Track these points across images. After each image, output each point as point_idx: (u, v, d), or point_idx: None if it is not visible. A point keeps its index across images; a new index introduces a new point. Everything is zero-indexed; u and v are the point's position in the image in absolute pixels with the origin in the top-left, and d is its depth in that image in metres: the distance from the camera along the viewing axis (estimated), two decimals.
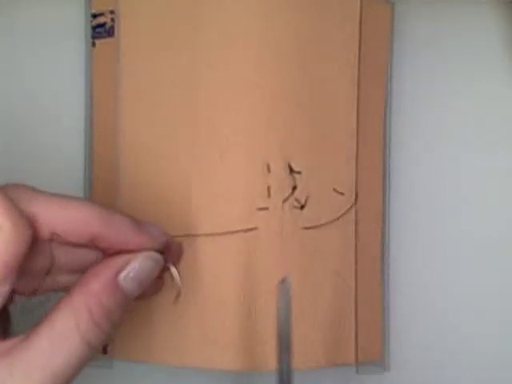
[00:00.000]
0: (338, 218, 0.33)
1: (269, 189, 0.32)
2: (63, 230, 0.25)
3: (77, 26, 0.35)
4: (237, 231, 0.32)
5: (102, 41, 0.34)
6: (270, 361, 0.31)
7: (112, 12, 0.33)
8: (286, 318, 0.27)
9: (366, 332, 0.33)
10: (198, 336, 0.32)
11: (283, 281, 0.28)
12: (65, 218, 0.25)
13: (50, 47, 0.36)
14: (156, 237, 0.28)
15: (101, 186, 0.33)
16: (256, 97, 0.32)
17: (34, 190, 0.25)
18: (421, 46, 0.36)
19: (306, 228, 0.32)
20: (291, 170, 0.32)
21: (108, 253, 0.27)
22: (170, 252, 0.29)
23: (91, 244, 0.26)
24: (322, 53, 0.33)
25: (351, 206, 0.33)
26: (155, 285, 0.29)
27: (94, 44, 0.34)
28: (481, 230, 0.36)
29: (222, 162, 0.32)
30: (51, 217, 0.25)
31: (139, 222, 0.27)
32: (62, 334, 0.24)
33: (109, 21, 0.33)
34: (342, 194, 0.33)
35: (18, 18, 0.36)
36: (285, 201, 0.32)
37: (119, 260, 0.26)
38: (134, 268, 0.26)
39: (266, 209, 0.32)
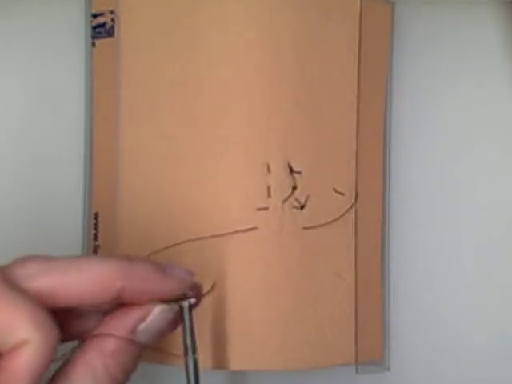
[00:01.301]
0: (338, 218, 0.33)
1: (269, 189, 0.32)
2: (84, 296, 0.24)
3: (77, 26, 0.35)
4: (237, 231, 0.32)
5: (102, 41, 0.34)
6: (271, 360, 0.31)
7: (112, 12, 0.33)
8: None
9: (366, 332, 0.33)
10: (199, 336, 0.32)
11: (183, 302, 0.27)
12: (85, 284, 0.24)
13: (50, 47, 0.36)
14: (182, 280, 0.26)
15: (101, 187, 0.33)
16: (256, 97, 0.32)
17: (48, 259, 0.24)
18: (421, 46, 0.36)
19: (306, 228, 0.32)
20: (291, 170, 0.32)
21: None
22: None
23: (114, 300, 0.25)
24: (322, 53, 0.33)
25: (351, 206, 0.33)
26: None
27: (93, 44, 0.34)
28: (481, 229, 0.36)
29: (222, 162, 0.32)
30: (71, 285, 0.24)
31: (162, 267, 0.26)
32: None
33: (109, 21, 0.33)
34: (342, 194, 0.33)
35: (18, 17, 0.36)
36: (285, 201, 0.32)
37: (136, 315, 0.25)
38: (152, 322, 0.25)
39: (266, 209, 0.32)
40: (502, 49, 0.36)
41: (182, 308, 0.27)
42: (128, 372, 0.25)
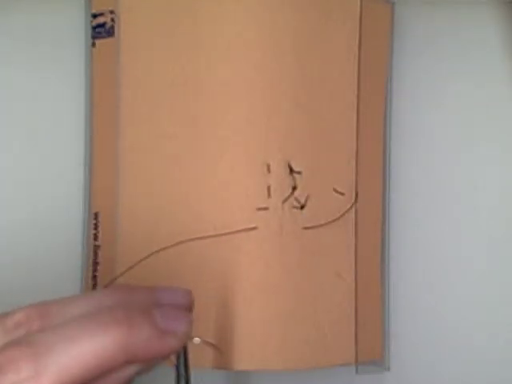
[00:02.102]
0: (338, 218, 0.33)
1: (269, 189, 0.32)
2: (86, 376, 0.23)
3: (77, 26, 0.35)
4: (237, 231, 0.32)
5: (102, 41, 0.34)
6: (271, 360, 0.31)
7: (112, 12, 0.33)
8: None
9: (366, 332, 0.33)
10: (199, 335, 0.32)
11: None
12: (86, 369, 0.23)
13: (50, 47, 0.36)
14: (183, 334, 0.25)
15: (101, 187, 0.33)
16: (256, 97, 0.32)
17: (43, 352, 0.22)
18: (421, 46, 0.36)
19: (306, 228, 0.32)
20: (291, 170, 0.32)
21: None
22: None
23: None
24: (322, 53, 0.33)
25: (351, 206, 0.33)
26: None
27: (93, 44, 0.34)
28: (481, 229, 0.36)
29: (222, 162, 0.32)
30: (73, 374, 0.22)
31: (162, 320, 0.25)
32: None
33: (109, 21, 0.33)
34: (342, 194, 0.33)
35: (18, 17, 0.36)
36: (285, 201, 0.32)
37: (136, 368, 0.25)
38: (147, 369, 0.25)
39: (266, 209, 0.32)
40: (502, 49, 0.36)
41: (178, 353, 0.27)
42: None
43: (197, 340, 0.27)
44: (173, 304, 0.26)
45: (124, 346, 0.23)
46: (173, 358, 0.26)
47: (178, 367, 0.27)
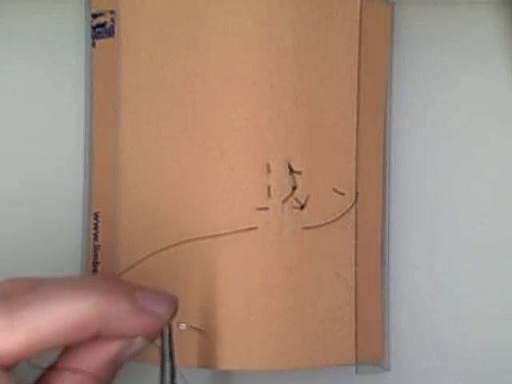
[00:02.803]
0: (338, 218, 0.33)
1: (269, 189, 0.32)
2: (58, 339, 0.23)
3: (77, 26, 0.35)
4: (237, 231, 0.32)
5: (102, 41, 0.34)
6: (269, 360, 0.31)
7: (112, 12, 0.33)
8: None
9: (366, 332, 0.33)
10: (198, 335, 0.32)
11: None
12: (58, 330, 0.23)
13: (50, 47, 0.36)
14: (161, 316, 0.26)
15: (101, 187, 0.33)
16: (256, 97, 0.32)
17: (17, 308, 0.23)
18: (421, 46, 0.36)
19: (306, 228, 0.32)
20: (291, 170, 0.32)
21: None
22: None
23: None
24: (321, 53, 0.33)
25: (351, 206, 0.33)
26: None
27: (93, 44, 0.34)
28: (481, 229, 0.36)
29: (222, 162, 0.32)
30: (44, 337, 0.23)
31: (142, 299, 0.25)
32: None
33: (109, 21, 0.33)
34: (342, 194, 0.33)
35: (18, 17, 0.36)
36: (285, 201, 0.32)
37: (115, 347, 0.25)
38: (130, 351, 0.25)
39: (266, 209, 0.32)
40: (502, 49, 0.36)
41: (163, 333, 0.26)
42: None
43: (183, 326, 0.27)
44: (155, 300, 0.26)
45: (99, 314, 0.23)
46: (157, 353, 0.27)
47: (162, 348, 0.26)
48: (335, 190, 0.33)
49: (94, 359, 0.25)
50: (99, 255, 0.33)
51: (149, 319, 0.25)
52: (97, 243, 0.33)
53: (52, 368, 0.25)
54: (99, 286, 0.24)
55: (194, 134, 0.32)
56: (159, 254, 0.32)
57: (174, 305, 0.26)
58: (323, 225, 0.32)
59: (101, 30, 0.34)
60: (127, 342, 0.25)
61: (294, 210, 0.32)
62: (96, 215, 0.33)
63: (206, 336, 0.31)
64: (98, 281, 0.25)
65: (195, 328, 0.31)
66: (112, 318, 0.24)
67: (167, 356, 0.27)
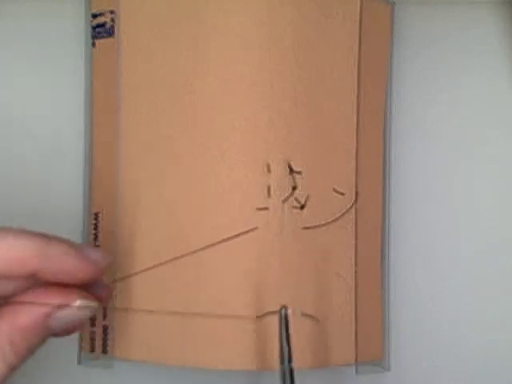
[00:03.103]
0: (338, 218, 0.33)
1: (269, 189, 0.32)
2: None
3: (77, 26, 0.35)
4: (237, 235, 0.32)
5: (102, 41, 0.34)
6: (273, 360, 0.31)
7: (112, 12, 0.33)
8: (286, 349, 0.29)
9: (366, 332, 0.33)
10: (200, 336, 0.32)
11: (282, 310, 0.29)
12: None
13: (50, 47, 0.36)
14: (98, 262, 0.27)
15: (101, 187, 0.33)
16: (256, 97, 0.32)
17: None
18: (421, 46, 0.36)
19: (306, 228, 0.32)
20: (291, 170, 0.32)
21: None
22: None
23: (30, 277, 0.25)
24: (321, 53, 0.33)
25: (351, 206, 0.33)
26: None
27: (93, 44, 0.34)
28: (481, 229, 0.36)
29: (222, 162, 0.32)
30: None
31: (80, 247, 0.26)
32: None
33: (109, 21, 0.33)
34: (341, 194, 0.33)
35: (18, 18, 0.36)
36: (285, 201, 0.32)
37: (56, 299, 0.25)
38: (68, 315, 0.26)
39: (266, 209, 0.32)
40: (502, 49, 0.36)
41: (280, 316, 0.29)
42: (29, 353, 0.25)
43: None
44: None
45: (39, 251, 0.25)
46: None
47: (281, 350, 0.29)
48: (335, 190, 0.33)
49: (30, 315, 0.25)
50: None
51: (86, 263, 0.26)
52: (97, 243, 0.33)
53: None
54: (43, 233, 0.25)
55: (194, 134, 0.32)
56: (160, 254, 0.32)
57: (110, 257, 0.28)
58: (323, 225, 0.32)
59: (101, 29, 0.34)
60: (68, 298, 0.26)
61: (294, 210, 0.32)
62: (96, 215, 0.33)
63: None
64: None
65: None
66: (51, 257, 0.25)
67: (284, 338, 0.29)
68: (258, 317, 0.31)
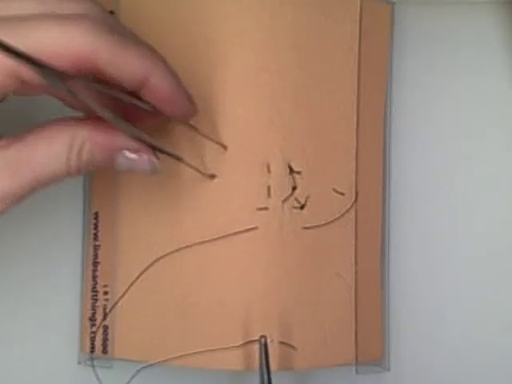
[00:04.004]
0: (338, 218, 0.33)
1: (269, 189, 0.32)
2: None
3: None
4: (237, 231, 0.32)
5: None
6: (271, 360, 0.31)
7: (112, 12, 0.33)
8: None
9: (366, 332, 0.33)
10: (199, 336, 0.32)
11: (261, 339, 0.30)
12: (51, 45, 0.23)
13: None
14: (148, 56, 0.26)
15: (101, 187, 0.33)
16: (256, 97, 0.32)
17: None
18: (421, 46, 0.36)
19: (306, 228, 0.32)
20: (291, 170, 0.32)
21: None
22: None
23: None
24: (322, 53, 0.33)
25: (351, 206, 0.33)
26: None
27: None
28: (481, 229, 0.36)
29: (222, 162, 0.32)
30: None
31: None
32: (56, 152, 0.25)
33: None
34: (341, 193, 0.33)
35: None
36: (285, 201, 0.32)
37: (134, 143, 0.26)
38: (136, 162, 0.27)
39: (266, 209, 0.32)
40: (502, 49, 0.36)
41: (260, 345, 0.30)
42: (84, 169, 0.26)
43: (154, 160, 0.28)
44: None
45: (92, 38, 0.24)
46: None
47: (260, 361, 0.30)
48: (335, 190, 0.33)
49: (108, 136, 0.26)
50: (99, 255, 0.33)
51: (139, 54, 0.25)
52: (97, 243, 0.33)
53: None
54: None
55: (194, 134, 0.32)
56: (160, 254, 0.32)
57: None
58: (323, 225, 0.32)
59: None
60: (142, 149, 0.27)
61: (294, 210, 0.32)
62: (96, 215, 0.33)
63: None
64: None
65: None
66: (108, 44, 0.24)
67: (265, 368, 0.30)
68: (241, 344, 0.31)
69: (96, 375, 0.32)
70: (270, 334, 0.31)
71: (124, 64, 0.25)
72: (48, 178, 0.25)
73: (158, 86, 0.26)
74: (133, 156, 0.27)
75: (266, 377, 0.30)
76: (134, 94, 0.27)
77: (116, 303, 0.32)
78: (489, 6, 0.36)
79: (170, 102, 0.27)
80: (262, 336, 0.30)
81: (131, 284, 0.32)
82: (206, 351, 0.31)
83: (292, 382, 0.35)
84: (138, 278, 0.32)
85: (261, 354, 0.30)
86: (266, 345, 0.30)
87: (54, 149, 0.25)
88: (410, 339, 0.35)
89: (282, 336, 0.32)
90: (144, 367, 0.32)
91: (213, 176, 0.32)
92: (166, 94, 0.27)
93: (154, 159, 0.27)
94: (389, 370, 0.34)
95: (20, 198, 0.25)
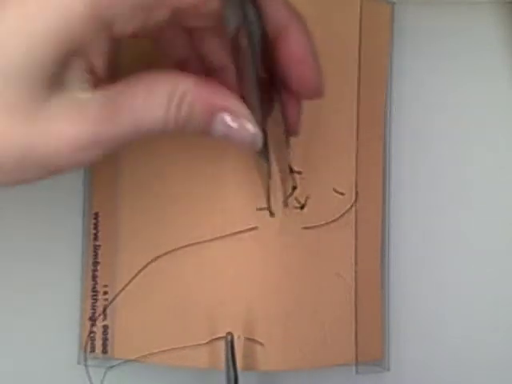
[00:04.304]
0: (338, 218, 0.33)
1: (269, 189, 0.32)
2: None
3: None
4: (237, 231, 0.32)
5: None
6: (270, 360, 0.31)
7: None
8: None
9: (366, 332, 0.33)
10: (199, 336, 0.32)
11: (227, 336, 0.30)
12: None
13: None
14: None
15: (101, 187, 0.33)
16: None
17: None
18: (421, 46, 0.36)
19: (306, 228, 0.32)
20: (291, 170, 0.32)
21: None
22: None
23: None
24: (321, 53, 0.33)
25: (351, 206, 0.33)
26: None
27: None
28: (481, 229, 0.36)
29: (222, 162, 0.32)
30: None
31: None
32: (156, 98, 0.23)
33: None
34: (341, 194, 0.33)
35: None
36: (285, 201, 0.32)
37: (234, 102, 0.24)
38: (233, 129, 0.24)
39: (266, 209, 0.32)
40: (502, 49, 0.36)
41: (226, 342, 0.30)
42: (180, 125, 0.24)
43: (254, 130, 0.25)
44: None
45: None
46: None
47: (226, 357, 0.30)
48: (335, 190, 0.33)
49: (208, 90, 0.24)
50: (99, 255, 0.33)
51: (284, 2, 0.23)
52: (97, 243, 0.33)
53: None
54: None
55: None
56: (160, 254, 0.32)
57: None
58: (323, 225, 0.32)
59: None
60: (243, 112, 0.24)
61: (294, 210, 0.32)
62: (96, 215, 0.33)
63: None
64: None
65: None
66: None
67: (231, 364, 0.29)
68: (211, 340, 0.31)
69: (88, 376, 0.33)
70: (271, 334, 0.31)
71: (273, 3, 0.23)
72: (145, 127, 0.23)
73: (295, 40, 0.24)
74: (233, 124, 0.24)
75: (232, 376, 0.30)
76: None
77: (113, 299, 0.32)
78: (489, 6, 0.36)
79: (302, 64, 0.25)
80: (229, 333, 0.30)
81: (129, 281, 0.32)
82: (206, 352, 0.31)
83: (292, 381, 0.35)
84: (136, 275, 0.32)
85: (227, 352, 0.30)
86: (232, 342, 0.30)
87: (154, 94, 0.23)
88: (410, 339, 0.35)
89: (283, 336, 0.32)
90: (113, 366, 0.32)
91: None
92: (301, 52, 0.25)
93: (258, 132, 0.25)
94: (389, 370, 0.34)
95: (115, 146, 0.23)
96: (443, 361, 0.35)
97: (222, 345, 0.31)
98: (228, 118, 0.24)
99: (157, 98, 0.23)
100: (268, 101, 0.26)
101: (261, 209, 0.32)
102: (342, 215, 0.33)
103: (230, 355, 0.30)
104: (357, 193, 0.33)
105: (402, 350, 0.35)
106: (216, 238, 0.32)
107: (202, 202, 0.32)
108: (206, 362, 0.32)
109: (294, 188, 0.32)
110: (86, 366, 0.32)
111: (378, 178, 0.34)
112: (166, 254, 0.32)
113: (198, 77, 0.24)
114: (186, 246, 0.32)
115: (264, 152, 0.27)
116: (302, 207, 0.32)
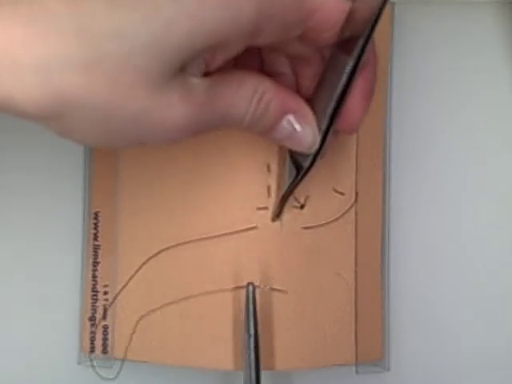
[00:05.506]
0: (338, 218, 0.33)
1: (269, 188, 0.32)
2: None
3: None
4: (237, 231, 0.32)
5: None
6: (271, 360, 0.31)
7: None
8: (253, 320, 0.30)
9: (366, 332, 0.33)
10: (199, 336, 0.32)
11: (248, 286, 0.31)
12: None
13: None
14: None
15: (101, 187, 0.33)
16: None
17: None
18: (421, 46, 0.36)
19: (306, 228, 0.32)
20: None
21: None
22: None
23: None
24: None
25: (351, 206, 0.33)
26: None
27: None
28: (481, 229, 0.36)
29: (222, 162, 0.32)
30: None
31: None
32: (244, 92, 0.25)
33: None
34: (341, 193, 0.33)
35: None
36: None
37: (303, 106, 0.26)
38: (296, 131, 0.26)
39: (266, 208, 0.32)
40: (502, 49, 0.36)
41: (247, 291, 0.30)
42: (251, 122, 0.25)
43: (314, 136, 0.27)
44: None
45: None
46: None
47: (248, 355, 0.30)
48: (335, 190, 0.33)
49: (281, 101, 0.26)
50: (99, 255, 0.33)
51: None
52: (97, 243, 0.33)
53: None
54: None
55: None
56: (160, 254, 0.32)
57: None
58: (323, 225, 0.32)
59: None
60: (309, 118, 0.26)
61: (294, 210, 0.32)
62: (96, 215, 0.33)
63: None
64: None
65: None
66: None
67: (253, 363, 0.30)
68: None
69: (96, 373, 0.32)
70: (271, 334, 0.31)
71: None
72: (230, 118, 0.25)
73: (366, 77, 0.26)
74: (298, 126, 0.26)
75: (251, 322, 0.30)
76: None
77: (114, 299, 0.32)
78: (489, 6, 0.36)
79: (363, 103, 0.27)
80: (250, 283, 0.31)
81: (128, 280, 0.32)
82: (206, 351, 0.31)
83: (292, 381, 0.35)
84: (135, 274, 0.32)
85: (248, 301, 0.30)
86: (253, 291, 0.30)
87: (244, 86, 0.25)
88: (409, 339, 0.35)
89: (283, 336, 0.32)
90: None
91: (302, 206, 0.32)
92: (367, 91, 0.27)
93: (318, 139, 0.27)
94: (389, 370, 0.34)
95: (199, 131, 0.24)
96: (443, 361, 0.35)
97: (223, 343, 0.31)
98: (295, 120, 0.26)
99: (245, 90, 0.25)
100: None
101: (261, 208, 0.32)
102: (342, 215, 0.33)
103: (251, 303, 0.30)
104: (357, 193, 0.33)
105: (402, 350, 0.35)
106: (216, 237, 0.32)
107: (202, 202, 0.32)
108: (206, 362, 0.32)
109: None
110: (92, 366, 0.32)
111: (378, 177, 0.34)
112: (166, 249, 0.32)
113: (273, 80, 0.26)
114: (185, 243, 0.32)
115: (301, 161, 0.28)
116: (302, 207, 0.32)
